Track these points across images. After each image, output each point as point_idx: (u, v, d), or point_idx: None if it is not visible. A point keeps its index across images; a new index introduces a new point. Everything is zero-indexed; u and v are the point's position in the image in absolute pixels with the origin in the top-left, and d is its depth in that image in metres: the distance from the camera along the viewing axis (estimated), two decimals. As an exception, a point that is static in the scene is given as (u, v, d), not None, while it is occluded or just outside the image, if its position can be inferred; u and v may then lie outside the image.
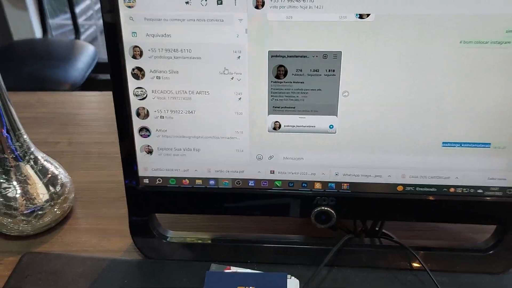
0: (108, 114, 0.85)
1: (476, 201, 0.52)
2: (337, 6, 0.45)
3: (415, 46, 0.45)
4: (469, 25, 0.44)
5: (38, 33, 2.38)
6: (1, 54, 1.95)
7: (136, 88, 0.50)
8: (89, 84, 1.83)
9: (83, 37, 2.20)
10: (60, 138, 0.80)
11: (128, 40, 0.48)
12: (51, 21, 2.56)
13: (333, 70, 0.47)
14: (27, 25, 2.39)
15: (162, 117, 0.51)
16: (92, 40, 2.82)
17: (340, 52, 0.46)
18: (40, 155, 0.60)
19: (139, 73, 0.49)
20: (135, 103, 0.51)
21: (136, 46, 0.48)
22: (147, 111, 0.51)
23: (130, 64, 0.49)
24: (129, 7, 0.46)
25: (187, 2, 0.46)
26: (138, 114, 0.51)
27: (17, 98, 0.90)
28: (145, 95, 0.50)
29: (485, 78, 0.46)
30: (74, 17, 2.09)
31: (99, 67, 1.95)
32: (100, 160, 0.74)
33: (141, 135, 0.52)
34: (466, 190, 0.52)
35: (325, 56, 0.47)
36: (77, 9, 2.33)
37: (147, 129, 0.52)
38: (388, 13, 0.44)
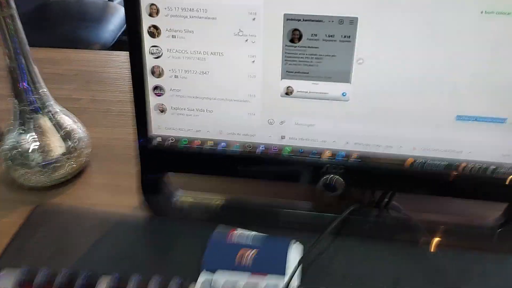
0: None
1: (489, 177, 0.51)
2: (356, -30, 0.44)
3: (433, 15, 0.44)
4: (492, -6, 0.43)
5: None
6: (36, 13, 1.98)
7: (152, 46, 0.50)
8: (119, 45, 1.85)
9: (117, 0, 2.21)
10: (83, 95, 0.81)
11: (145, -3, 0.48)
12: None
13: (349, 37, 0.46)
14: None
15: (176, 76, 0.51)
16: (125, 3, 2.82)
17: (357, 18, 0.45)
18: (59, 109, 0.62)
19: (155, 31, 0.49)
20: (150, 61, 0.51)
21: (153, 4, 0.48)
22: (162, 69, 0.51)
23: (146, 21, 0.49)
24: (147, -37, 0.46)
25: (204, -39, 0.45)
26: (153, 73, 0.52)
27: (44, 54, 0.92)
28: (160, 54, 0.50)
29: (505, 51, 0.45)
30: (107, -22, 2.10)
31: (129, 29, 1.95)
32: (120, 118, 0.76)
33: (155, 94, 0.53)
34: (479, 165, 0.51)
35: (341, 22, 0.46)
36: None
37: (161, 88, 0.52)
38: (408, -21, 0.43)
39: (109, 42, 1.84)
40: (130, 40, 0.50)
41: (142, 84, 0.52)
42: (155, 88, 0.52)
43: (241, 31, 0.48)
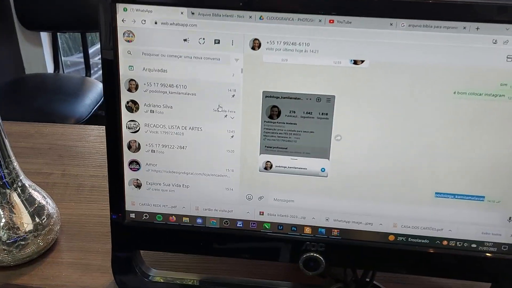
0: (105, 148, 0.85)
1: (470, 256, 0.50)
2: (332, 51, 0.45)
3: (408, 94, 0.45)
4: (463, 76, 0.44)
5: (50, 69, 2.43)
6: (13, 86, 1.98)
7: (129, 121, 0.50)
8: (94, 119, 1.85)
9: (95, 76, 2.24)
10: (54, 169, 0.79)
11: (124, 73, 0.48)
12: (66, 59, 2.62)
13: (326, 114, 0.47)
14: (40, 61, 2.44)
15: (153, 151, 0.51)
16: (103, 79, 2.86)
17: (334, 96, 0.46)
18: (29, 184, 0.60)
19: (133, 106, 0.49)
20: (127, 136, 0.50)
21: (132, 80, 0.48)
22: (139, 144, 0.50)
23: (125, 96, 0.49)
24: (128, 41, 0.47)
25: (185, 40, 0.46)
26: (129, 147, 0.51)
27: (17, 128, 0.91)
28: (137, 128, 0.50)
29: (478, 130, 0.46)
30: (86, 56, 2.13)
31: (105, 104, 1.96)
32: (92, 194, 0.73)
33: (130, 168, 0.51)
34: (460, 244, 0.50)
35: (318, 100, 0.47)
36: (93, 49, 2.38)
37: (137, 163, 0.51)
38: (382, 61, 0.45)
39: (84, 116, 1.84)
40: (108, 115, 0.50)
41: (118, 158, 0.51)
42: (131, 162, 0.51)
43: (221, 107, 0.48)
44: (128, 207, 0.53)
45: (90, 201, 0.72)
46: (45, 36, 2.40)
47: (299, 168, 0.49)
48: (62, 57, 2.42)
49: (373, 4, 0.43)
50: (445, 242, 0.50)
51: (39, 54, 2.43)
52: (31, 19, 2.06)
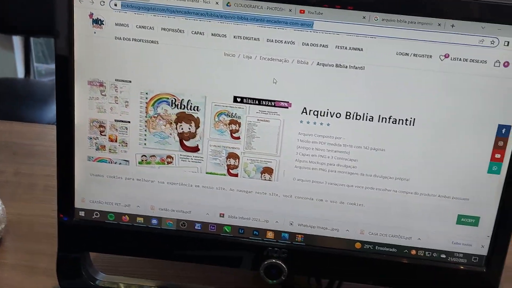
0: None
1: (439, 267, 0.48)
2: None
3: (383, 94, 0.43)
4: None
5: (21, 74, 2.37)
6: (-19, 90, 1.91)
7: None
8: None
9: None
10: (7, 167, 0.74)
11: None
12: (42, 67, 2.55)
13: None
14: (11, 65, 2.37)
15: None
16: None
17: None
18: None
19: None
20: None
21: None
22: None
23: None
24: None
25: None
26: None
27: (-27, 124, 0.86)
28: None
29: (447, 133, 0.44)
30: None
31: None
32: (45, 193, 0.69)
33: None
34: (429, 253, 0.48)
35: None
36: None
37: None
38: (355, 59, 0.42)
39: (53, 122, 1.78)
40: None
41: (68, 145, 0.47)
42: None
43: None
44: (78, 204, 0.49)
45: (42, 201, 0.67)
46: (17, 40, 2.34)
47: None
48: (36, 64, 2.36)
49: (346, -5, 0.41)
50: (413, 252, 0.48)
51: (10, 58, 2.37)
52: (3, 22, 2.00)
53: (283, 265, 0.48)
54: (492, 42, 0.41)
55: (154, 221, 0.49)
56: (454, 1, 0.41)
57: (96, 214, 0.49)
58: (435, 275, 0.48)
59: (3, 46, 2.35)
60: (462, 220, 0.46)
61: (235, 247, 0.49)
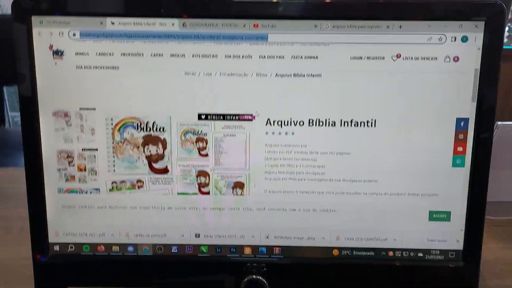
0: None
1: (418, 266, 0.48)
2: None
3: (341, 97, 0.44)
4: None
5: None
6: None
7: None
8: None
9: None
10: (-18, 214, 0.73)
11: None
12: (17, 114, 2.54)
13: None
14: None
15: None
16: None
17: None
18: None
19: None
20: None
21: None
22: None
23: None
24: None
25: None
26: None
27: None
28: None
29: (411, 129, 0.45)
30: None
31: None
32: (21, 236, 0.67)
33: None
34: (406, 253, 0.48)
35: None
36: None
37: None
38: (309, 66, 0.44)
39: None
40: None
41: (38, 177, 0.47)
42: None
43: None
44: (52, 238, 0.49)
45: (17, 244, 0.65)
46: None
47: (234, 182, 0.47)
48: (10, 113, 2.35)
49: (296, 6, 0.43)
50: (391, 253, 0.48)
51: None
52: None
53: (263, 280, 0.48)
54: (440, 39, 0.43)
55: (130, 248, 0.49)
56: (400, 2, 0.43)
57: (71, 247, 0.49)
58: (416, 275, 0.48)
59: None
60: (434, 216, 0.47)
61: (214, 267, 0.49)
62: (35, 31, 0.44)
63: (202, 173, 0.46)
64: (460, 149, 0.45)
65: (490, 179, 0.45)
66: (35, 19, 0.44)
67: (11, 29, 0.43)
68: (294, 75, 0.44)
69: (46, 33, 0.44)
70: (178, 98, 0.44)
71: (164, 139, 0.45)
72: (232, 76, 0.44)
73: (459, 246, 0.47)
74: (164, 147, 0.45)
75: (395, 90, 0.44)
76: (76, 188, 0.47)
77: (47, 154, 0.46)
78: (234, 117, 0.45)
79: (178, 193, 0.47)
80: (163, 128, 0.45)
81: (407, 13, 0.43)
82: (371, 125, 0.44)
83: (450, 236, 0.47)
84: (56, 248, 0.49)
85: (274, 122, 0.44)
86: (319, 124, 0.44)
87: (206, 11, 0.43)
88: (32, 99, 0.45)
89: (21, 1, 0.44)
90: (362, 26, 0.43)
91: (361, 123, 0.44)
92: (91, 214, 0.48)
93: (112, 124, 0.45)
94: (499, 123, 0.67)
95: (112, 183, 0.46)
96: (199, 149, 0.45)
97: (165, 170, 0.46)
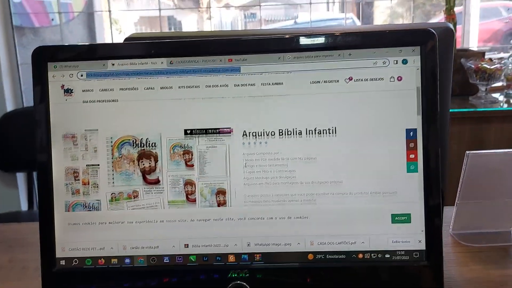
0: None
1: (387, 267, 0.52)
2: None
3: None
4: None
5: (24, 207, 2.45)
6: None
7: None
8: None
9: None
10: (2, 257, 0.80)
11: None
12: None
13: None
14: (16, 202, 2.46)
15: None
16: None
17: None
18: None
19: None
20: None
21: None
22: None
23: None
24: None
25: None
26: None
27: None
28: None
29: (370, 137, 0.52)
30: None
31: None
32: (36, 272, 0.73)
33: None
34: (374, 255, 0.52)
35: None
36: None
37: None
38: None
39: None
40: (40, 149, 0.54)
41: (48, 198, 0.54)
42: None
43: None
44: (59, 253, 0.55)
45: (33, 278, 0.71)
46: (20, 177, 2.45)
47: (217, 195, 0.53)
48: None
49: (263, 42, 0.52)
50: (360, 255, 0.52)
51: (14, 194, 2.46)
52: (6, 161, 2.10)
53: (246, 285, 0.53)
54: (384, 63, 0.51)
55: (127, 260, 0.55)
56: (348, 33, 0.51)
57: (75, 261, 0.55)
58: (385, 275, 0.52)
59: (6, 183, 2.46)
60: (396, 218, 0.52)
61: (202, 274, 0.54)
62: (50, 74, 0.54)
63: (189, 182, 0.53)
64: (412, 156, 0.51)
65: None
66: (50, 65, 0.54)
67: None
68: (264, 96, 0.52)
69: (59, 75, 0.54)
70: (167, 118, 0.53)
71: (156, 153, 0.53)
72: (212, 99, 0.52)
73: (422, 246, 0.52)
74: (156, 160, 0.53)
75: (350, 106, 0.51)
76: (81, 200, 0.54)
77: (57, 171, 0.54)
78: (215, 131, 0.52)
79: (169, 202, 0.53)
80: (155, 144, 0.53)
81: (355, 43, 0.51)
82: (332, 133, 0.51)
83: (412, 237, 0.52)
84: (62, 262, 0.55)
85: (249, 133, 0.52)
86: (287, 134, 0.52)
87: (189, 51, 0.53)
88: (45, 127, 0.53)
89: (39, 51, 0.54)
90: (318, 56, 0.51)
91: (323, 131, 0.51)
92: (93, 230, 0.54)
93: (111, 142, 0.53)
94: (468, 152, 0.65)
95: (111, 194, 0.53)
96: (186, 161, 0.52)
97: (157, 181, 0.53)
